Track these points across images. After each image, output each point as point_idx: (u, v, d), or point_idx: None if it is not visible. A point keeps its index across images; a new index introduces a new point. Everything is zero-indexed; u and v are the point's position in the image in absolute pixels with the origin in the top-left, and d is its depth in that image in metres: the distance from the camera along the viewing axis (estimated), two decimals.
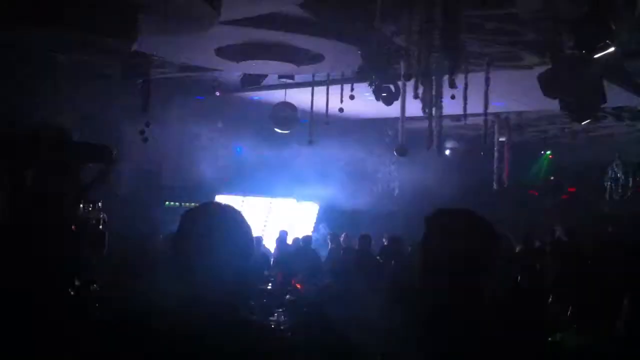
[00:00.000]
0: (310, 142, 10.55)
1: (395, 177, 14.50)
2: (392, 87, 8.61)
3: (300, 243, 10.52)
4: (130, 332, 1.98)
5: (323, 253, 10.54)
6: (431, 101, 8.07)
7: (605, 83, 7.33)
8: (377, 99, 8.69)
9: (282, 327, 5.69)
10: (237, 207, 2.19)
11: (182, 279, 2.04)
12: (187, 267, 2.04)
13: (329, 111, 10.09)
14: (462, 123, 9.31)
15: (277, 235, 11.63)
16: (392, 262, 7.90)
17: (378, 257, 8.71)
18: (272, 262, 10.39)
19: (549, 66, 7.34)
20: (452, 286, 2.09)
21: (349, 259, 8.55)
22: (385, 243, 10.35)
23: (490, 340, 2.04)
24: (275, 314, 6.36)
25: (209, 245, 2.01)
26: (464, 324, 2.04)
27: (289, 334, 5.32)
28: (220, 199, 12.70)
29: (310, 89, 10.13)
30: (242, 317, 2.08)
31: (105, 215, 10.06)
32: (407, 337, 2.17)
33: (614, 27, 6.16)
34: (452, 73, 7.59)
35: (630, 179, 13.69)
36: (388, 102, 8.67)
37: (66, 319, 4.95)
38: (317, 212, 14.30)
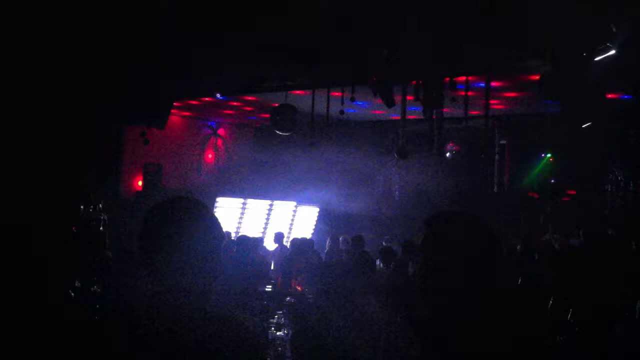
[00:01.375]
0: (311, 145, 10.54)
1: (395, 180, 14.52)
2: (393, 89, 8.61)
3: (300, 245, 10.47)
4: (106, 329, 1.99)
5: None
6: (432, 104, 8.10)
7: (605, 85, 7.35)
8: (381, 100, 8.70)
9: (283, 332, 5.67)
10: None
11: (149, 277, 2.00)
12: (151, 266, 1.99)
13: (329, 114, 10.09)
14: (462, 125, 9.32)
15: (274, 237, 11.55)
16: (391, 264, 7.88)
17: (378, 260, 8.68)
18: (272, 265, 10.38)
19: (550, 69, 7.36)
20: (453, 287, 2.09)
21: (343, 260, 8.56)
22: (384, 244, 10.31)
23: (491, 342, 2.04)
24: (276, 316, 6.36)
25: (172, 244, 1.96)
26: (465, 325, 2.04)
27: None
28: (221, 201, 12.71)
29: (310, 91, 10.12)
30: (205, 312, 2.04)
31: (106, 216, 10.10)
32: (407, 340, 2.17)
33: (614, 30, 6.18)
34: (453, 76, 7.63)
35: (631, 182, 13.68)
36: (389, 104, 8.67)
37: (65, 320, 4.95)
38: (317, 215, 14.28)
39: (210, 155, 14.53)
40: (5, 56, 7.73)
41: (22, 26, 6.99)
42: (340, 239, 11.06)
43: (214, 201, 12.23)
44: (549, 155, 14.48)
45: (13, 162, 8.79)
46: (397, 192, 14.44)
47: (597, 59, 6.62)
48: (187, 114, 13.68)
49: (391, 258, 8.05)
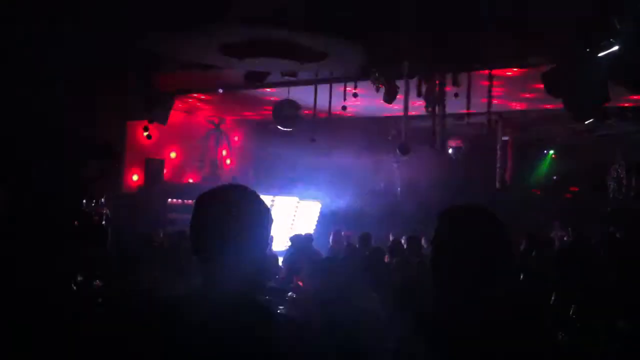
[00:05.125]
0: (313, 140, 10.52)
1: (397, 176, 14.51)
2: (395, 84, 8.60)
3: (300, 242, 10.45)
4: (151, 322, 1.91)
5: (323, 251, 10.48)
6: (434, 99, 8.08)
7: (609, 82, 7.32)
8: (382, 97, 8.69)
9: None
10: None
11: (200, 268, 1.92)
12: (204, 255, 1.92)
13: (331, 109, 10.08)
14: (465, 122, 9.30)
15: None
16: (397, 260, 7.90)
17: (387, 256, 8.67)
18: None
19: (553, 65, 7.33)
20: (464, 284, 2.05)
21: (352, 257, 8.56)
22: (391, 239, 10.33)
23: (496, 339, 2.02)
24: (278, 311, 6.37)
25: (227, 232, 1.88)
26: (471, 325, 2.02)
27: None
28: None
29: (313, 86, 10.11)
30: (260, 305, 1.96)
31: (108, 210, 10.11)
32: (417, 336, 2.14)
33: (618, 26, 6.15)
34: (455, 71, 7.62)
35: (633, 179, 13.66)
36: (391, 100, 8.67)
37: (70, 314, 4.95)
38: (319, 210, 14.28)
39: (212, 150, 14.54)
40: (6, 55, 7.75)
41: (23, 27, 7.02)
42: (342, 234, 11.08)
43: None
44: (552, 152, 14.48)
45: (15, 158, 8.82)
46: (398, 189, 14.43)
47: (600, 55, 6.60)
48: (188, 108, 13.68)
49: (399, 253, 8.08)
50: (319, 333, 3.53)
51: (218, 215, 1.91)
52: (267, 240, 1.99)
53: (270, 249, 10.18)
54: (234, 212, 1.91)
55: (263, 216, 1.98)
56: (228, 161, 14.77)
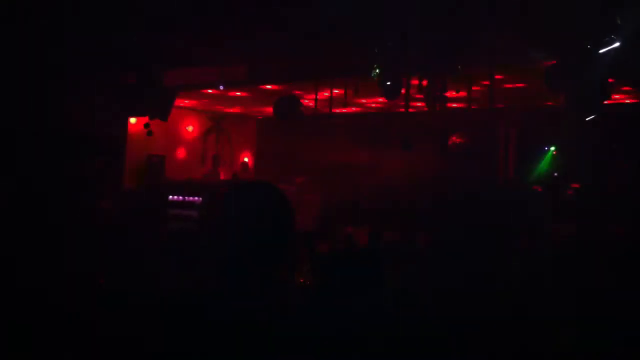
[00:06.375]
0: (316, 135, 10.54)
1: (399, 171, 14.48)
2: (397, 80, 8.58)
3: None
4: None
5: None
6: (435, 96, 8.08)
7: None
8: (382, 93, 8.68)
9: None
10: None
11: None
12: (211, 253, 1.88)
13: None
14: (467, 117, 9.31)
15: None
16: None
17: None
18: None
19: (555, 61, 7.32)
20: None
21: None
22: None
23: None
24: None
25: (237, 231, 1.85)
26: None
27: None
28: None
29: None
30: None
31: (109, 204, 10.10)
32: None
33: (620, 22, 6.14)
34: (457, 67, 7.61)
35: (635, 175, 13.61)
36: (392, 96, 8.65)
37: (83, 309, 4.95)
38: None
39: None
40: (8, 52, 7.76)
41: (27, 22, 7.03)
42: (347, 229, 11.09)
43: None
44: (553, 148, 14.45)
45: (16, 156, 8.83)
46: (401, 184, 14.39)
47: (601, 51, 6.59)
48: (189, 104, 13.68)
49: None
50: None
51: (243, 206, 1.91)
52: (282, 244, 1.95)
53: None
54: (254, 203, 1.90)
55: (284, 215, 1.96)
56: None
